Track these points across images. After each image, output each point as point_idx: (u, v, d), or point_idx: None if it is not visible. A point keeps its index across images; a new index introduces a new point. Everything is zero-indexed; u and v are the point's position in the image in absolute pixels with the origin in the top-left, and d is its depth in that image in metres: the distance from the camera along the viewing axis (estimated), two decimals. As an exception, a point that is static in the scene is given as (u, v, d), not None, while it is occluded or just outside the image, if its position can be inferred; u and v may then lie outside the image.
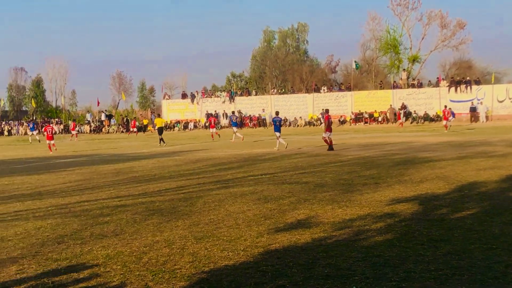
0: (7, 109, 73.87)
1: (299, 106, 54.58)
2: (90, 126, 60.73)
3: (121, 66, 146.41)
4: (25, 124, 58.75)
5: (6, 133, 61.32)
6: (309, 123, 52.98)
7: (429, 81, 54.19)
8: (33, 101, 67.96)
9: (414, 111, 50.43)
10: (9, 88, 73.89)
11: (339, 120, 50.78)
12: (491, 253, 5.90)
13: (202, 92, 60.99)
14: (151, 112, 68.99)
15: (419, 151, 19.61)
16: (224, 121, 55.83)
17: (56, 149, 28.35)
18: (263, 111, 55.29)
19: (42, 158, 23.23)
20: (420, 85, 52.69)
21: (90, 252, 6.52)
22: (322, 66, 75.05)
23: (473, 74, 55.13)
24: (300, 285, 5.08)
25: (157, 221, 8.22)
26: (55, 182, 14.03)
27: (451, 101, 48.14)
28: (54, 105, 74.22)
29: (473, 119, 47.59)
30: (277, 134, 23.71)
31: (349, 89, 55.00)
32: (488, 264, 5.50)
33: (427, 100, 50.66)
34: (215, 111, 57.47)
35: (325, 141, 21.80)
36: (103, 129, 59.26)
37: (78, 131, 50.63)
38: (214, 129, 37.45)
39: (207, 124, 51.02)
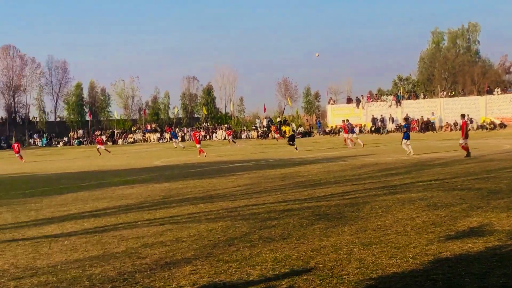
0: (180, 116, 79.63)
1: (470, 109, 50.92)
2: (257, 132, 63.19)
3: (286, 72, 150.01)
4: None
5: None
6: (481, 127, 49.14)
7: None
8: (204, 108, 72.74)
9: None
10: (182, 97, 79.75)
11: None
12: None
13: (367, 96, 60.62)
14: (316, 117, 69.76)
15: None
16: (390, 126, 54.88)
17: (205, 155, 29.17)
18: (433, 115, 53.62)
19: (213, 163, 24.67)
20: None
21: (259, 255, 6.65)
22: (495, 67, 69.62)
23: None
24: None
25: (324, 226, 8.19)
26: (225, 186, 14.75)
27: None
28: (223, 112, 78.53)
29: None
30: (407, 141, 23.26)
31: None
32: None
33: None
34: (381, 115, 57.00)
35: (463, 147, 20.69)
36: (269, 135, 61.25)
37: (233, 136, 52.04)
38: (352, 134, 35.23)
39: (372, 129, 49.93)
